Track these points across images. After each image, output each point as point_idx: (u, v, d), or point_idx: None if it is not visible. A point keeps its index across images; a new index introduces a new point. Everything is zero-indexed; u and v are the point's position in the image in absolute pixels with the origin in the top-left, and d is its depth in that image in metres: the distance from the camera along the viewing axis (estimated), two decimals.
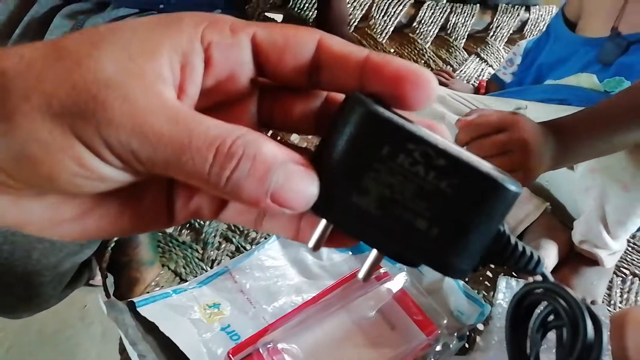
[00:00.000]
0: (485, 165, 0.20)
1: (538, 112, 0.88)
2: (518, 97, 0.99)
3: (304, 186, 0.20)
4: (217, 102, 0.22)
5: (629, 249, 1.09)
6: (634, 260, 1.04)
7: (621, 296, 0.98)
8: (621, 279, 0.99)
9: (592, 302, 0.86)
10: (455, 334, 0.74)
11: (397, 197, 0.20)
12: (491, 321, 0.74)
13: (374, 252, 0.22)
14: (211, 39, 0.20)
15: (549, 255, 0.87)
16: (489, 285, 0.91)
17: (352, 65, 0.21)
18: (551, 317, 0.24)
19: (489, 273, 0.93)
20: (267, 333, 0.64)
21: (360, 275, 0.22)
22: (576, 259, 0.90)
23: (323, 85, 0.22)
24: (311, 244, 0.22)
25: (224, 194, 0.19)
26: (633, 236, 1.11)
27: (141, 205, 0.23)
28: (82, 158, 0.18)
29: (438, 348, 0.70)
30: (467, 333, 0.77)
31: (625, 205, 0.80)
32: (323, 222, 0.22)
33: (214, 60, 0.21)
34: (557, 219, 0.90)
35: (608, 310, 0.91)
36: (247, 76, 0.22)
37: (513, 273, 0.93)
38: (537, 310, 0.25)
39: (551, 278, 0.24)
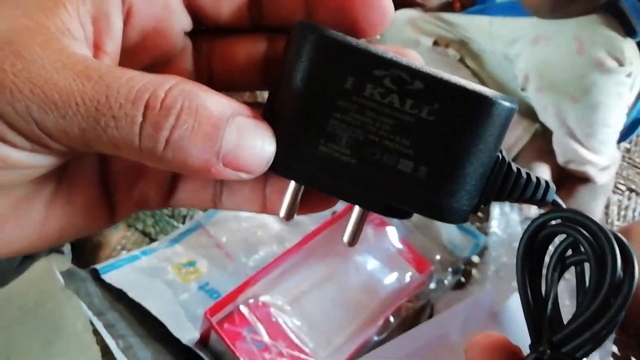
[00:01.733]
0: (471, 83, 0.17)
1: (505, 26, 0.85)
2: (487, 14, 0.94)
3: (260, 142, 0.17)
4: (145, 63, 0.19)
5: (624, 164, 1.05)
6: (629, 175, 1.00)
7: (618, 213, 0.95)
8: (618, 195, 0.96)
9: None
10: (450, 269, 0.70)
11: (373, 138, 0.17)
12: (486, 251, 0.70)
13: (356, 209, 0.19)
14: None
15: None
16: (481, 215, 0.87)
17: None
18: (570, 252, 0.20)
19: None
20: (248, 287, 0.59)
21: (345, 238, 0.19)
22: (569, 180, 0.87)
23: (266, 21, 0.20)
24: (282, 213, 0.19)
25: (163, 163, 0.16)
26: (628, 150, 1.07)
27: (71, 202, 0.19)
28: None
29: (432, 285, 0.66)
30: (463, 267, 0.73)
31: (583, 117, 0.79)
32: (292, 184, 0.19)
33: (135, 7, 0.18)
34: (547, 141, 0.85)
35: None
36: (179, 26, 0.19)
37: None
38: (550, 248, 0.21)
39: (564, 205, 0.20)
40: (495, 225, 0.70)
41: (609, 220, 0.92)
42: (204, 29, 0.20)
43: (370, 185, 0.18)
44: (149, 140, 0.15)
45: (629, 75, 0.76)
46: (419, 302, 0.64)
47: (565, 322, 0.18)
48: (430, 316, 0.67)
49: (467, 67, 0.91)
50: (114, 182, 0.20)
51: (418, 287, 0.65)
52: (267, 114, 0.18)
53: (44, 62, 0.15)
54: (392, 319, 0.61)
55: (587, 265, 0.18)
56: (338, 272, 0.65)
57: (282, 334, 0.59)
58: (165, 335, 0.55)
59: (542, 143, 0.87)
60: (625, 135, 0.89)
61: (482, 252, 0.74)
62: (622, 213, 0.95)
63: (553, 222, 0.19)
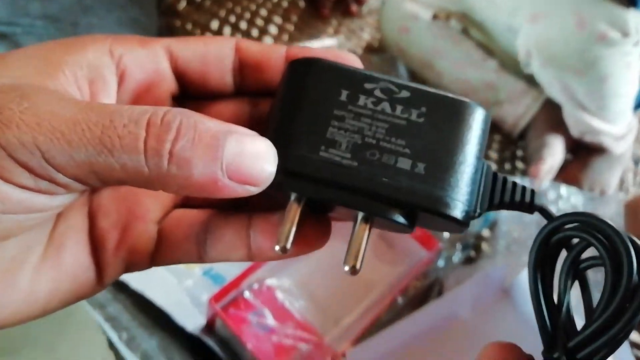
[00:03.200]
0: (447, 92, 0.19)
1: None
2: None
3: (262, 149, 0.17)
4: None
5: None
6: None
7: (634, 178, 0.92)
8: (633, 161, 0.93)
9: (601, 192, 0.80)
10: (459, 244, 0.69)
11: (370, 141, 0.19)
12: (496, 226, 0.69)
13: (360, 223, 0.19)
14: (122, 52, 0.19)
15: (555, 152, 0.81)
16: None
17: (275, 59, 0.20)
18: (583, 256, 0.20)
19: None
20: (254, 271, 0.58)
21: (350, 264, 0.19)
22: (585, 150, 0.85)
23: (249, 87, 0.21)
24: (281, 241, 0.18)
25: (169, 182, 0.16)
26: None
27: (59, 265, 0.19)
28: None
29: (441, 263, 0.65)
30: (472, 241, 0.72)
31: (591, 90, 0.77)
32: (289, 210, 0.19)
33: (128, 71, 0.19)
34: (558, 111, 0.82)
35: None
36: (167, 90, 0.20)
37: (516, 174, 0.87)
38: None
39: (551, 211, 0.20)
40: None
41: (624, 186, 0.90)
42: (190, 95, 0.21)
43: (373, 185, 0.18)
44: (153, 155, 0.16)
45: (636, 43, 0.72)
46: (426, 281, 0.63)
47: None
48: (440, 292, 0.66)
49: (471, 38, 0.88)
50: (102, 240, 0.20)
51: (426, 265, 0.64)
52: (264, 132, 0.19)
53: (50, 100, 0.16)
54: (399, 299, 0.60)
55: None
56: (344, 253, 0.64)
57: (289, 316, 0.58)
58: (171, 322, 0.55)
59: (552, 113, 0.84)
60: None
61: (492, 226, 0.73)
62: (638, 179, 0.92)
63: (568, 226, 0.19)
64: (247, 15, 1.00)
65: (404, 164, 0.18)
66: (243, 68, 0.21)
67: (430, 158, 0.18)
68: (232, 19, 0.99)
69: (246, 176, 0.17)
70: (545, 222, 0.19)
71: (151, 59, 0.20)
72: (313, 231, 0.20)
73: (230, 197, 0.17)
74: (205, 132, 0.16)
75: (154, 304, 0.55)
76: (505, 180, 0.20)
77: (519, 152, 0.90)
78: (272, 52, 0.21)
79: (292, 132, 0.19)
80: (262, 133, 0.18)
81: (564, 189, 0.68)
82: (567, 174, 0.83)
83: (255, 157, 0.17)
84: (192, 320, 0.56)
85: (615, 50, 0.71)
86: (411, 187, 0.18)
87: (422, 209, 0.18)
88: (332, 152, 0.18)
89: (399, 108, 0.19)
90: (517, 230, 0.67)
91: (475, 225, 0.71)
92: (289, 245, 0.18)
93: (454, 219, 0.18)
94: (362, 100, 0.19)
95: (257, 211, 0.20)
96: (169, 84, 0.20)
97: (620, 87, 0.76)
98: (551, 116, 0.85)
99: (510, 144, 0.91)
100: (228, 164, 0.16)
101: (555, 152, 0.80)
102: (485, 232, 0.75)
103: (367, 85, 0.19)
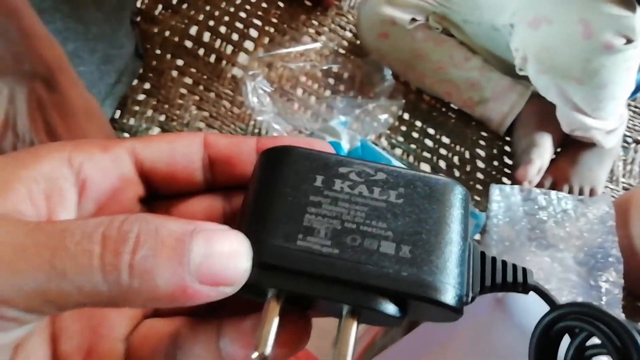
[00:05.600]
0: (424, 172, 0.19)
1: None
2: None
3: (235, 244, 0.16)
4: None
5: (631, 113, 1.00)
6: (635, 126, 0.96)
7: (624, 168, 0.91)
8: (623, 147, 0.92)
9: (592, 192, 0.80)
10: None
11: (350, 226, 0.18)
12: (486, 235, 0.69)
13: (345, 319, 0.17)
14: (82, 160, 0.18)
15: (543, 152, 0.80)
16: (480, 188, 0.85)
17: (245, 153, 0.20)
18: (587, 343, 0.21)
19: (479, 175, 0.87)
20: None
21: None
22: (574, 145, 0.84)
23: (221, 182, 0.21)
24: (260, 346, 0.17)
25: (133, 298, 0.15)
26: (634, 99, 1.02)
27: None
28: None
29: None
30: None
31: (590, 96, 0.74)
32: (267, 311, 0.17)
33: (90, 181, 0.18)
34: (544, 103, 0.81)
35: (612, 197, 0.86)
36: (135, 193, 0.20)
37: (504, 179, 0.86)
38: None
39: (546, 291, 0.20)
40: (495, 208, 0.68)
41: (614, 178, 0.89)
42: (160, 195, 0.20)
43: (357, 274, 0.17)
44: (110, 271, 0.14)
45: (636, 46, 0.70)
46: None
47: None
48: None
49: (453, 36, 0.86)
50: None
51: None
52: (237, 225, 0.18)
53: None
54: None
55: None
56: None
57: None
58: None
59: (539, 106, 0.83)
60: (634, 92, 0.84)
61: (483, 230, 0.73)
62: (628, 168, 0.91)
63: (570, 316, 0.19)
64: (226, 18, 0.97)
65: (388, 248, 0.17)
66: (213, 163, 0.20)
67: (414, 240, 0.18)
68: (211, 23, 0.96)
69: (219, 277, 0.15)
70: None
71: (114, 164, 0.19)
72: (294, 331, 0.18)
73: (204, 302, 0.15)
74: (168, 236, 0.15)
75: None
76: (494, 260, 0.20)
77: (507, 148, 0.90)
78: (243, 144, 0.20)
79: (266, 223, 0.18)
80: (236, 226, 0.17)
81: (554, 194, 0.67)
82: (556, 170, 0.82)
83: (227, 255, 0.16)
84: None
85: (618, 57, 0.69)
86: (398, 272, 0.17)
87: (414, 297, 0.17)
88: (310, 241, 0.17)
89: (376, 190, 0.18)
90: (509, 239, 0.67)
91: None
92: (268, 351, 0.17)
93: (448, 306, 0.17)
94: (338, 184, 0.18)
95: (229, 316, 0.19)
96: (135, 188, 0.20)
97: (618, 91, 0.75)
98: (537, 110, 0.84)
99: (497, 140, 0.90)
100: (197, 268, 0.15)
101: (543, 152, 0.79)
102: (476, 236, 0.75)
103: (342, 170, 0.19)
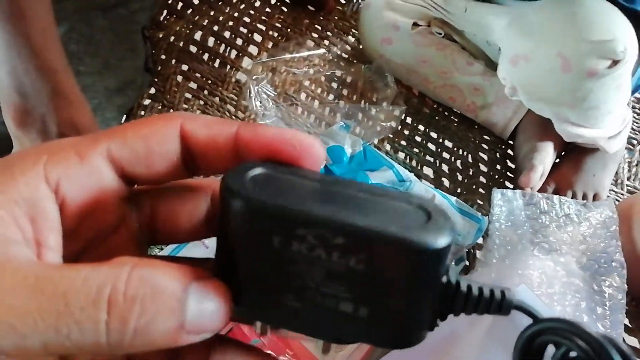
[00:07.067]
0: (397, 224, 0.17)
1: (480, 12, 0.79)
2: None
3: (220, 303, 0.17)
4: (88, 237, 0.20)
5: (635, 115, 1.00)
6: None
7: (629, 170, 0.90)
8: (627, 149, 0.91)
9: (595, 197, 0.79)
10: (452, 259, 0.69)
11: (310, 284, 0.18)
12: (489, 239, 0.69)
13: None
14: (58, 175, 0.18)
15: (545, 157, 0.79)
16: (483, 192, 0.85)
17: (222, 147, 0.20)
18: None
19: (482, 179, 0.87)
20: None
21: None
22: (577, 150, 0.83)
23: (202, 171, 0.21)
24: None
25: (129, 349, 0.16)
26: (638, 100, 1.01)
27: None
28: None
29: None
30: (466, 252, 0.72)
31: (585, 116, 0.73)
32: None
33: (69, 197, 0.18)
34: None
35: (616, 200, 0.85)
36: (116, 197, 0.20)
37: (507, 183, 0.86)
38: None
39: (530, 309, 0.20)
40: (497, 212, 0.68)
41: (619, 181, 0.89)
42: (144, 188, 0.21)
43: (320, 323, 0.18)
44: (116, 335, 0.15)
45: (625, 63, 0.69)
46: None
47: None
48: None
49: (455, 42, 0.86)
50: None
51: None
52: (217, 269, 0.19)
53: None
54: None
55: None
56: None
57: (285, 344, 0.59)
58: None
59: None
60: (634, 91, 0.83)
61: (485, 233, 0.73)
62: (634, 170, 0.90)
63: (548, 331, 0.20)
64: (230, 23, 0.98)
65: (347, 307, 0.18)
66: (192, 155, 0.20)
67: (373, 303, 0.18)
68: (215, 28, 0.97)
69: (206, 329, 0.17)
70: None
71: (92, 176, 0.19)
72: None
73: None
74: (169, 297, 0.16)
75: None
76: (469, 292, 0.19)
77: (510, 152, 0.90)
78: (219, 135, 0.20)
79: (237, 276, 0.19)
80: (216, 269, 0.19)
81: (556, 199, 0.67)
82: (559, 177, 0.82)
83: (213, 312, 0.17)
84: None
85: (605, 80, 0.68)
86: (355, 328, 0.18)
87: (372, 345, 0.19)
88: (280, 294, 0.18)
89: (335, 255, 0.17)
90: (511, 243, 0.67)
91: (469, 237, 0.71)
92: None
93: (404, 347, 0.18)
94: (295, 246, 0.17)
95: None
96: (118, 191, 0.20)
97: (613, 107, 0.74)
98: (540, 117, 0.83)
99: (500, 144, 0.90)
100: (189, 323, 0.16)
101: (545, 157, 0.79)
102: (479, 240, 0.74)
103: (299, 231, 0.17)
